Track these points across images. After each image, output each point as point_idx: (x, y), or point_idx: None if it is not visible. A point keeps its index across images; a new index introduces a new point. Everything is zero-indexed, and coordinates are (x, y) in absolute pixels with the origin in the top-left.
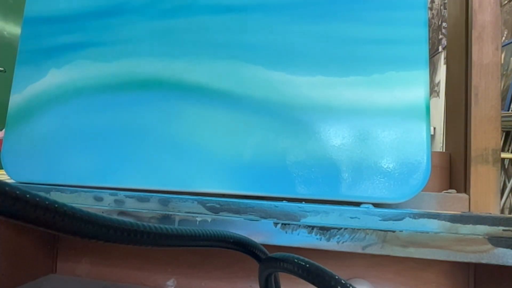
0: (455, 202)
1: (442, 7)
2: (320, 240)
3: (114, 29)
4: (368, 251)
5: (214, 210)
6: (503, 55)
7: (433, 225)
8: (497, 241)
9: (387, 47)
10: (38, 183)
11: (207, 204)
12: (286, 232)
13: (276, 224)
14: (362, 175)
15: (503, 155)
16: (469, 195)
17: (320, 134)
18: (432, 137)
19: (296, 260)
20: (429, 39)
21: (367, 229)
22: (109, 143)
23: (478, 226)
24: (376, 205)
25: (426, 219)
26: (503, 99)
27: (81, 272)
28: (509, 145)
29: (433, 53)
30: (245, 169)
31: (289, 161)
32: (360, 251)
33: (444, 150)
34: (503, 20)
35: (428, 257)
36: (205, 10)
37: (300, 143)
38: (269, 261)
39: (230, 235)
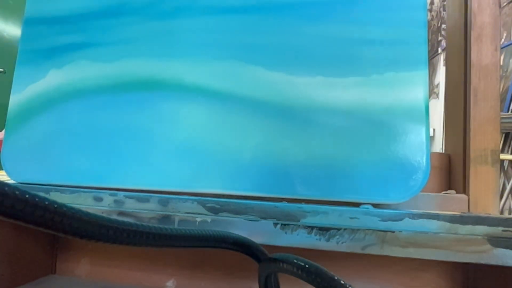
0: (454, 203)
1: (441, 9)
2: (320, 240)
3: (114, 30)
4: (368, 251)
5: (214, 211)
6: (502, 57)
7: (433, 225)
8: (496, 241)
9: (386, 48)
10: (38, 183)
11: (207, 205)
12: (286, 233)
13: (276, 224)
14: (362, 176)
15: (503, 156)
16: (468, 195)
17: (319, 134)
18: (432, 138)
19: (295, 261)
20: (428, 41)
21: (366, 229)
22: (109, 143)
23: (477, 226)
24: (375, 205)
25: (425, 220)
26: (502, 100)
27: (81, 272)
28: (509, 147)
29: (432, 55)
30: (245, 169)
31: (289, 162)
32: (359, 251)
33: (443, 151)
34: (502, 21)
35: (428, 258)
36: (205, 10)
37: (300, 144)
38: (268, 262)
39: (230, 235)
